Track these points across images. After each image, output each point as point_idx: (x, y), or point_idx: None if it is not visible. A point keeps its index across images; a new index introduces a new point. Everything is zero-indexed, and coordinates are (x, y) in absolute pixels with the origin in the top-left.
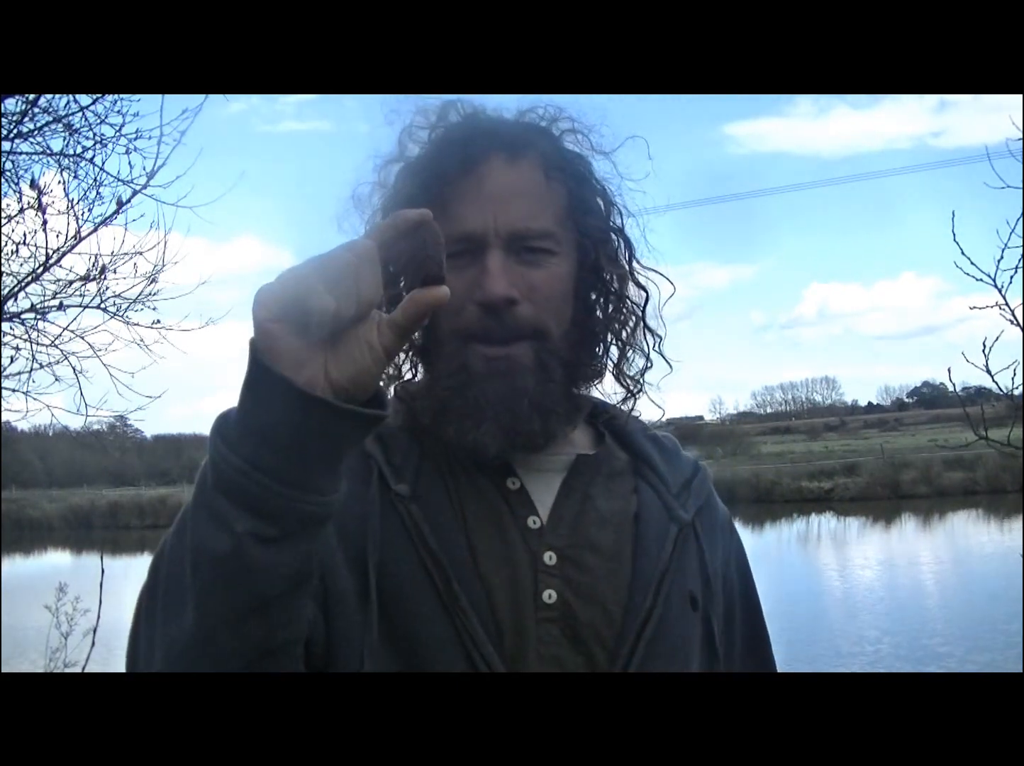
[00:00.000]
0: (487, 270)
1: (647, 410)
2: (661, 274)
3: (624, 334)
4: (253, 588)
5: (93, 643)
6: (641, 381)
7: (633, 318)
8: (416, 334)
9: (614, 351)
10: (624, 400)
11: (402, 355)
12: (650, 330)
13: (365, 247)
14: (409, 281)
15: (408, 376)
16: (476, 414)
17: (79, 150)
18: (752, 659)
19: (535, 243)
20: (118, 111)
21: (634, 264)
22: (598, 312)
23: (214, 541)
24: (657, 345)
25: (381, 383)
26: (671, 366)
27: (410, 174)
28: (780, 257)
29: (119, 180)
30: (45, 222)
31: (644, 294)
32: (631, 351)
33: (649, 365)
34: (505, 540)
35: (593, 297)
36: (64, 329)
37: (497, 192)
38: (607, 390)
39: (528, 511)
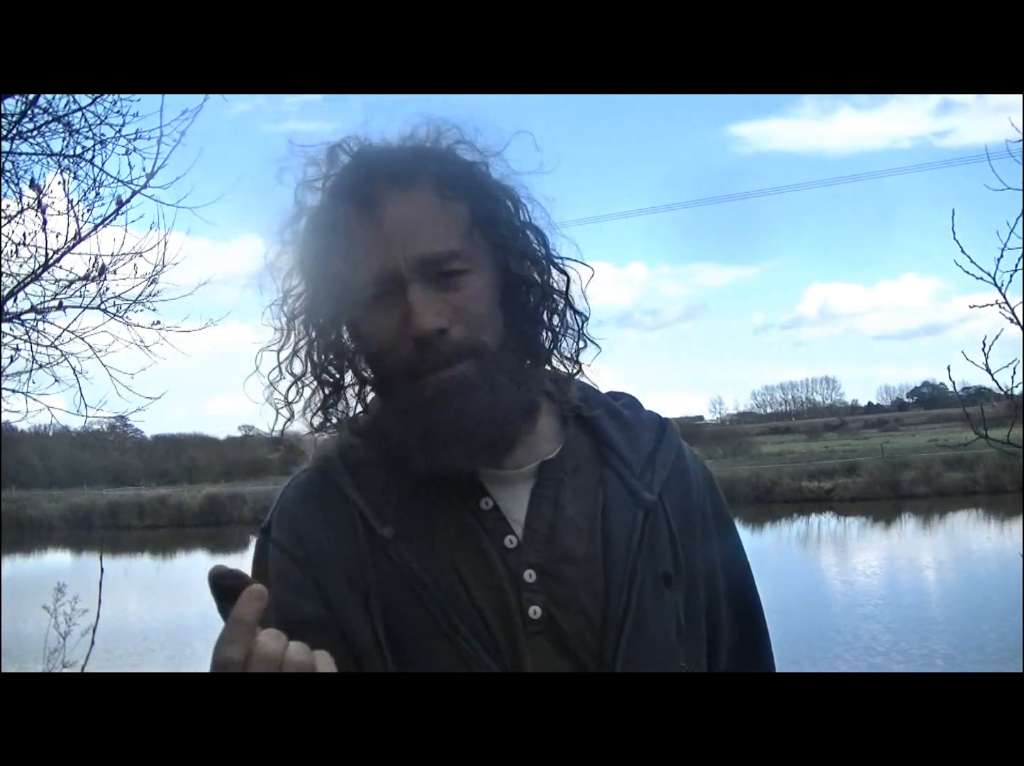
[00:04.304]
0: (411, 307)
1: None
2: (577, 260)
3: (555, 320)
4: None
5: (92, 643)
6: (578, 362)
7: (561, 301)
8: (367, 371)
9: (550, 337)
10: (565, 381)
11: (351, 390)
12: (577, 312)
13: (241, 647)
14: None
15: (358, 409)
16: (439, 439)
17: (79, 151)
18: (739, 622)
19: (447, 266)
20: (118, 111)
21: (551, 251)
22: (529, 308)
23: None
24: (583, 326)
25: (333, 421)
26: (599, 346)
27: (313, 230)
28: (782, 257)
29: (119, 181)
30: (45, 222)
31: (565, 277)
32: (562, 335)
33: (583, 345)
34: (487, 563)
35: (519, 299)
36: (64, 330)
37: (397, 226)
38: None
39: (503, 530)
